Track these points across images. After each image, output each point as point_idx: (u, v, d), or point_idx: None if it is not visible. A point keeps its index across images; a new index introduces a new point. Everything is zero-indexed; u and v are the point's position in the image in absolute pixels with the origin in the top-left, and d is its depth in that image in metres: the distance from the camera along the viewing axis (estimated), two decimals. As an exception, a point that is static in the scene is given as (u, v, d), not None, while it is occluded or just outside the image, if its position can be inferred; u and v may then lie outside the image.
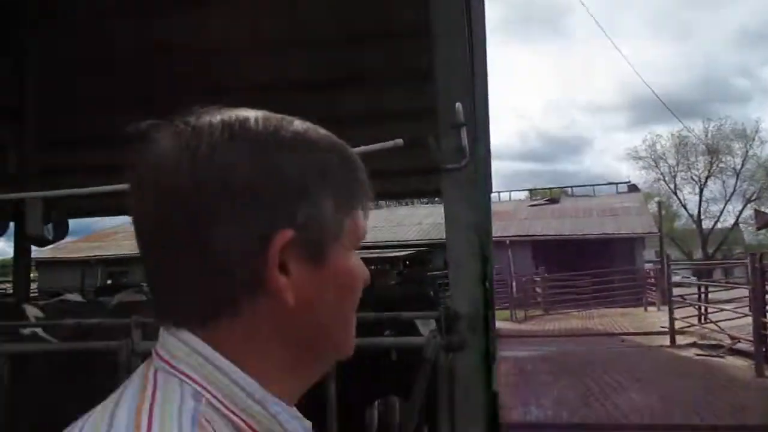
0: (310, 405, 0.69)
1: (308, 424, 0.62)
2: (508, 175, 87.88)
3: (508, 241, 26.06)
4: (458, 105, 2.47)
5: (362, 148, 3.23)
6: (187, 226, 0.55)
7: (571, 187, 38.62)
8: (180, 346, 0.57)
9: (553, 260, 23.91)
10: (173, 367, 0.56)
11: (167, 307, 0.59)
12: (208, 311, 0.57)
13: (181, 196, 0.55)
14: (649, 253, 31.71)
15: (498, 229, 26.72)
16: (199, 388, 0.55)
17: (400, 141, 2.91)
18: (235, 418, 0.55)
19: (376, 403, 4.88)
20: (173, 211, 0.55)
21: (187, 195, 0.55)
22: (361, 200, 0.63)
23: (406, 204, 31.98)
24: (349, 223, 0.61)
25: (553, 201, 33.40)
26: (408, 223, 28.20)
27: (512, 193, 36.54)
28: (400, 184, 9.21)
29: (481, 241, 2.50)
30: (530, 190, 39.20)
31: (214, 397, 0.55)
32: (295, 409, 0.61)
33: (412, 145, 2.81)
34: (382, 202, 33.32)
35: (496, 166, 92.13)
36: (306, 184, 0.57)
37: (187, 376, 0.55)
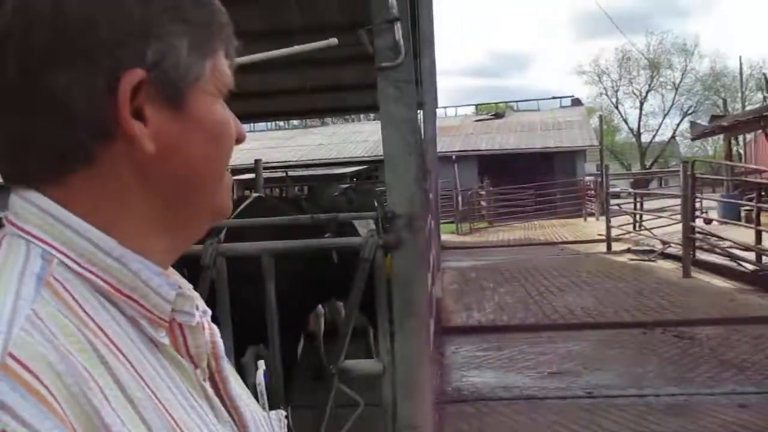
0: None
1: (176, 280, 0.58)
2: (455, 91, 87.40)
3: (454, 156, 26.25)
4: (392, -1, 2.38)
5: (297, 47, 3.14)
6: (22, 71, 0.50)
7: (517, 102, 38.84)
8: (27, 207, 0.53)
9: (497, 174, 24.29)
10: (20, 228, 0.52)
11: (15, 166, 0.54)
12: (59, 166, 0.52)
13: (11, 38, 0.50)
14: (591, 166, 32.60)
15: (444, 145, 26.83)
16: (49, 248, 0.51)
17: (334, 40, 2.84)
18: (92, 277, 0.51)
19: (321, 308, 4.99)
20: (5, 56, 0.50)
21: (18, 35, 0.50)
22: (222, 43, 0.59)
23: (352, 121, 31.64)
24: (210, 65, 0.57)
25: (498, 116, 33.58)
26: (354, 140, 27.98)
27: (458, 108, 36.51)
28: (343, 98, 9.03)
29: (416, 139, 2.49)
30: (476, 106, 39.23)
31: (67, 256, 0.51)
32: (169, 271, 0.58)
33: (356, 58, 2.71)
34: (328, 120, 32.90)
35: (443, 82, 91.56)
36: (153, 19, 0.52)
37: (35, 237, 0.51)
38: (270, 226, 3.27)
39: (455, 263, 12.13)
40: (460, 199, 20.36)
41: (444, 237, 17.20)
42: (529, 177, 24.42)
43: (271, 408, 0.73)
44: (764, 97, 25.13)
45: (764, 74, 30.71)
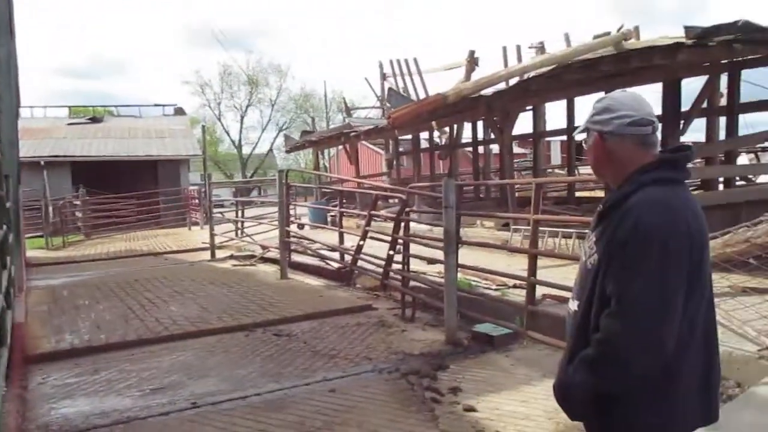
0: None
1: None
2: (47, 91, 78.34)
3: (42, 162, 23.44)
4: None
5: None
6: None
7: (117, 106, 36.73)
8: None
9: (95, 182, 22.50)
10: None
11: None
12: None
13: None
14: (195, 176, 32.71)
15: (30, 149, 23.73)
16: None
17: None
18: None
19: None
20: None
21: None
22: None
23: None
24: None
25: (96, 120, 31.22)
26: None
27: (48, 109, 32.71)
28: None
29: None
30: (70, 108, 35.73)
31: None
32: None
33: None
34: None
35: (31, 80, 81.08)
36: None
37: None
38: None
39: (44, 281, 10.74)
40: (50, 209, 18.20)
41: (30, 253, 15.13)
42: (131, 186, 23.30)
43: None
44: (344, 118, 28.83)
45: (344, 98, 35.26)
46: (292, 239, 11.20)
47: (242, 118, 52.52)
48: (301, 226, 14.21)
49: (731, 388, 4.30)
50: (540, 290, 6.29)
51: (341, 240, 10.05)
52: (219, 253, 13.20)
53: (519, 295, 6.58)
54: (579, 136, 2.05)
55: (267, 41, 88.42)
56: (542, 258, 6.59)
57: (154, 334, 6.78)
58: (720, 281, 6.23)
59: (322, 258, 10.50)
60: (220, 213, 16.83)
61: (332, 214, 14.98)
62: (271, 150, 53.77)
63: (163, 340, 6.57)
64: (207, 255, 13.20)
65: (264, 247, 12.37)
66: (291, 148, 25.42)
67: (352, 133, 17.45)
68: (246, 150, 53.56)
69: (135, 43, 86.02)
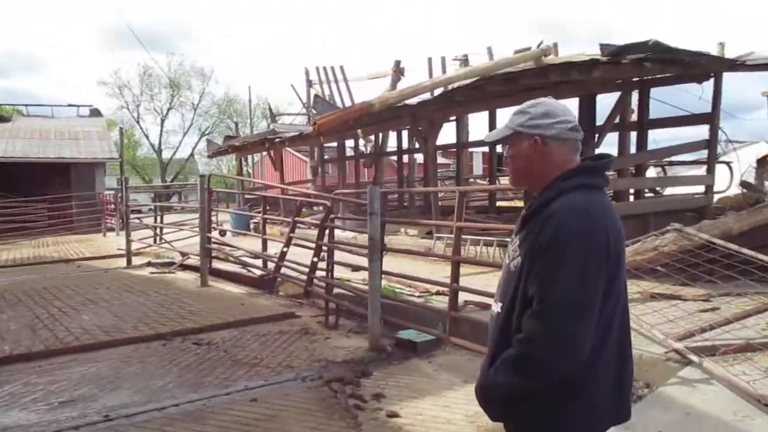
0: None
1: None
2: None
3: (-59, 163, 21.89)
4: None
5: None
6: None
7: (27, 105, 34.85)
8: None
9: (1, 185, 21.22)
10: None
11: None
12: None
13: None
14: (111, 180, 31.42)
15: (-73, 148, 22.14)
16: None
17: None
18: None
19: None
20: None
21: None
22: None
23: None
24: None
25: (4, 120, 29.50)
26: None
27: (-53, 106, 30.64)
28: None
29: None
30: (-26, 105, 33.66)
31: None
32: None
33: None
34: None
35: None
36: None
37: None
38: None
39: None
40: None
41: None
42: (42, 189, 22.12)
43: None
44: (268, 124, 28.48)
45: (269, 104, 34.83)
46: (213, 246, 10.94)
47: (162, 121, 50.98)
48: (222, 233, 13.90)
49: (641, 388, 4.49)
50: (462, 296, 6.40)
51: (264, 247, 9.89)
52: (136, 260, 12.71)
53: (442, 302, 6.66)
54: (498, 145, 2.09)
55: (190, 44, 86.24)
56: (465, 265, 6.71)
57: (64, 344, 6.44)
58: (630, 287, 6.49)
59: (245, 265, 10.30)
60: (138, 218, 16.26)
61: (255, 220, 14.74)
62: (192, 155, 52.41)
63: (73, 351, 6.25)
64: (123, 262, 12.68)
65: (183, 254, 12.01)
66: (213, 153, 24.87)
67: (277, 139, 17.24)
68: (166, 154, 52.01)
69: (50, 41, 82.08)
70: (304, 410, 4.61)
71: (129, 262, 12.54)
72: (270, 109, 29.56)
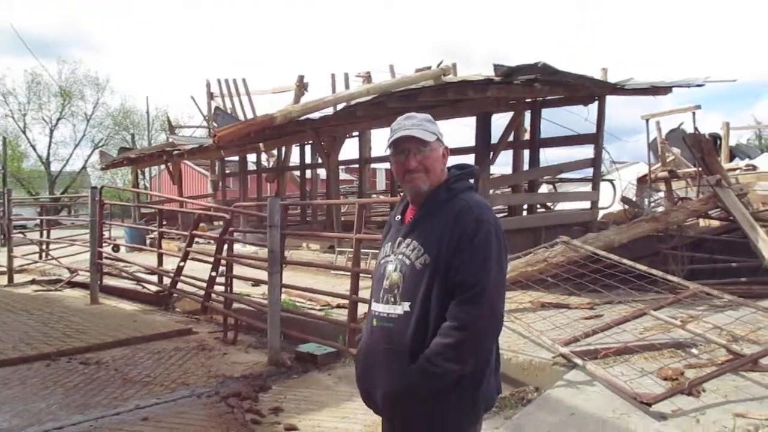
0: None
1: None
2: None
3: None
4: None
5: None
6: None
7: None
8: None
9: None
10: None
11: None
12: None
13: None
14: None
15: None
16: None
17: None
18: None
19: None
20: None
21: None
22: None
23: None
24: None
25: None
26: None
27: None
28: None
29: None
30: None
31: None
32: None
33: None
34: None
35: None
36: None
37: None
38: None
39: None
40: None
41: None
42: None
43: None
44: (167, 137, 27.61)
45: (167, 116, 33.81)
46: (105, 261, 10.43)
47: (52, 132, 48.08)
48: (116, 248, 13.27)
49: (531, 392, 4.70)
50: (363, 308, 6.44)
51: (160, 262, 9.54)
52: (19, 278, 11.89)
53: (342, 315, 6.69)
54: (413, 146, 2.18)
55: (84, 51, 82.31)
56: (365, 278, 6.76)
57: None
58: (522, 297, 6.84)
59: (139, 281, 9.90)
60: (22, 233, 15.24)
61: (152, 235, 14.20)
62: (84, 167, 49.75)
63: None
64: (4, 280, 11.83)
65: (72, 271, 11.38)
66: (107, 165, 23.77)
67: (176, 152, 16.73)
68: (56, 167, 49.07)
69: None
70: (199, 428, 4.48)
71: (11, 279, 11.70)
72: (169, 121, 28.72)
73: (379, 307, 2.14)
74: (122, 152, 22.19)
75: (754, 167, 18.42)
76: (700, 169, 10.49)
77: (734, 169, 16.63)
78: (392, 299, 2.09)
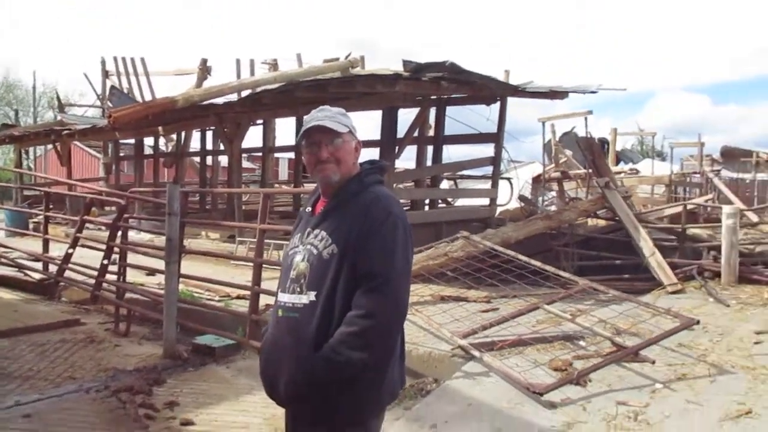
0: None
1: None
2: None
3: None
4: None
5: None
6: None
7: None
8: None
9: None
10: None
11: None
12: None
13: None
14: None
15: None
16: None
17: None
18: None
19: None
20: None
21: None
22: None
23: None
24: None
25: None
26: None
27: None
28: None
29: None
30: None
31: None
32: None
33: None
34: None
35: None
36: None
37: None
38: None
39: None
40: None
41: None
42: None
43: None
44: (55, 115, 25.92)
45: (56, 92, 31.75)
46: (-19, 246, 9.66)
47: None
48: (-6, 233, 12.33)
49: (430, 383, 4.81)
50: (264, 300, 6.33)
51: (46, 248, 8.95)
52: None
53: (243, 306, 6.55)
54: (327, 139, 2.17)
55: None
56: (267, 270, 6.64)
57: None
58: (423, 290, 6.97)
59: (21, 268, 9.24)
60: None
61: (36, 219, 13.31)
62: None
63: None
64: None
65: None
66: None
67: (65, 131, 15.73)
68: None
69: None
70: (86, 424, 4.25)
71: None
72: (58, 98, 26.98)
73: (284, 297, 2.13)
74: (4, 129, 20.60)
75: (637, 171, 19.80)
76: (590, 171, 11.12)
77: (619, 173, 17.78)
78: (298, 289, 2.09)
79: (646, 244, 8.28)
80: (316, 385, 1.99)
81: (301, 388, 2.02)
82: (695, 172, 18.87)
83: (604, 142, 20.35)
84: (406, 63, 8.05)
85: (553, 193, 16.16)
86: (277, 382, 2.10)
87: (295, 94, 9.52)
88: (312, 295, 2.05)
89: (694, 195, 17.30)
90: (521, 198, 13.10)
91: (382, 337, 1.98)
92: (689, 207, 11.21)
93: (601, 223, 10.50)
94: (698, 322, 5.24)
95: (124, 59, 20.01)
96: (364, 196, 2.11)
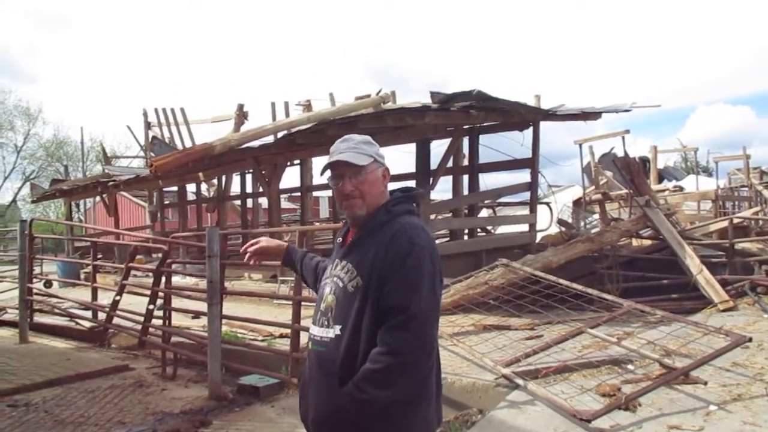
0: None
1: None
2: None
3: None
4: None
5: None
6: None
7: None
8: None
9: None
10: None
11: None
12: None
13: None
14: None
15: None
16: None
17: None
18: None
19: None
20: None
21: None
22: None
23: None
24: None
25: None
26: None
27: None
28: None
29: None
30: None
31: None
32: None
33: None
34: None
35: None
36: None
37: None
38: None
39: None
40: None
41: None
42: None
43: None
44: (103, 168, 26.84)
45: (102, 145, 32.89)
46: (35, 298, 9.98)
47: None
48: (48, 284, 12.73)
49: (474, 414, 4.73)
50: (305, 337, 6.36)
51: (95, 297, 9.21)
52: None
53: (286, 345, 6.59)
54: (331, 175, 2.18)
55: (14, 80, 79.43)
56: (308, 307, 6.67)
57: None
58: (464, 320, 6.90)
59: (72, 317, 9.50)
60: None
61: (86, 269, 13.71)
62: (14, 201, 47.79)
63: None
64: None
65: (0, 309, 10.84)
66: (38, 198, 22.94)
67: (111, 182, 16.28)
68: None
69: None
70: (135, 467, 4.31)
71: None
72: (104, 151, 27.96)
73: (315, 330, 2.12)
74: (55, 184, 21.44)
75: (681, 188, 19.34)
76: (630, 190, 10.92)
77: (663, 191, 17.40)
78: (326, 322, 2.07)
79: (692, 261, 8.05)
80: (341, 421, 1.96)
81: (325, 422, 2.01)
82: (743, 186, 18.33)
83: (644, 160, 19.99)
84: (433, 94, 8.13)
85: (596, 216, 15.91)
86: (307, 415, 2.11)
87: (328, 133, 9.68)
88: (338, 329, 2.02)
89: (743, 209, 16.77)
90: (560, 222, 12.91)
91: (406, 374, 1.91)
92: (737, 221, 10.87)
93: (646, 243, 10.27)
94: (750, 340, 5.05)
95: (164, 110, 20.68)
96: (390, 226, 2.05)
